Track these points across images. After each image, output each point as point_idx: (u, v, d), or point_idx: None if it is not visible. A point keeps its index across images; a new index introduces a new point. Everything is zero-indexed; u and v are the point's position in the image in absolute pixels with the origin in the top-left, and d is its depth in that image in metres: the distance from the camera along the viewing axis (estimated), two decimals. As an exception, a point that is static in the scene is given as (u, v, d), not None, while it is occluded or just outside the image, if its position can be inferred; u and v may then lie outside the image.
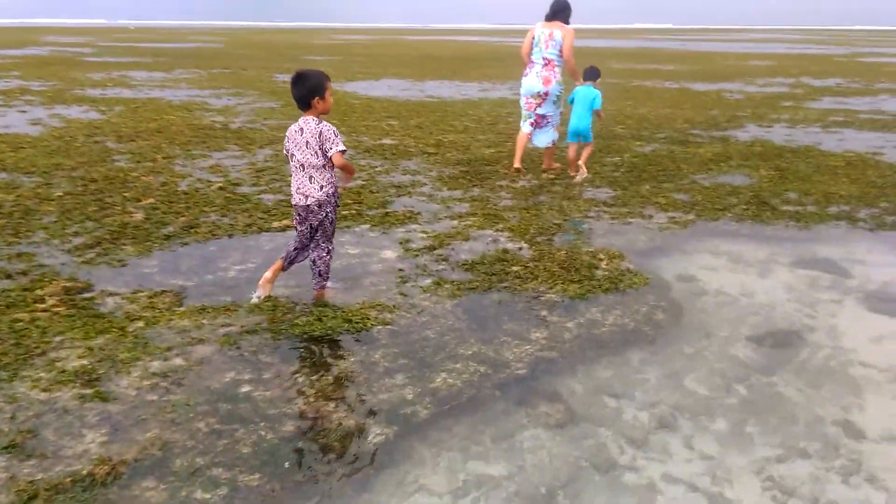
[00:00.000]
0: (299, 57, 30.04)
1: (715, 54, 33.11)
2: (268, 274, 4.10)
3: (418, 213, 5.96)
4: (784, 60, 29.55)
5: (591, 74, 7.39)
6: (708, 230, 5.58)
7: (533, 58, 7.29)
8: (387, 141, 9.61)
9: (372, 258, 4.87)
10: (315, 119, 3.93)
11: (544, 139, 7.54)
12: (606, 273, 4.54)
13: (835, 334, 3.94)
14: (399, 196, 6.58)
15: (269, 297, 4.09)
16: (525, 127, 7.51)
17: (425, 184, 7.07)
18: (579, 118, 7.26)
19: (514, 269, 4.60)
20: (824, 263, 4.94)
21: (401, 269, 4.63)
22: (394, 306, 4.02)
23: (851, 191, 6.66)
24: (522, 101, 7.49)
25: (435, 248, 5.05)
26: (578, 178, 7.20)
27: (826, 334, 3.94)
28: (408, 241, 5.24)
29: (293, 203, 4.04)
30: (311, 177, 3.93)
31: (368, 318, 3.83)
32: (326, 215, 4.02)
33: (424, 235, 5.35)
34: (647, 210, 6.07)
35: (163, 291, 4.17)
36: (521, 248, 5.05)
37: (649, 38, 59.17)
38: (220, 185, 6.86)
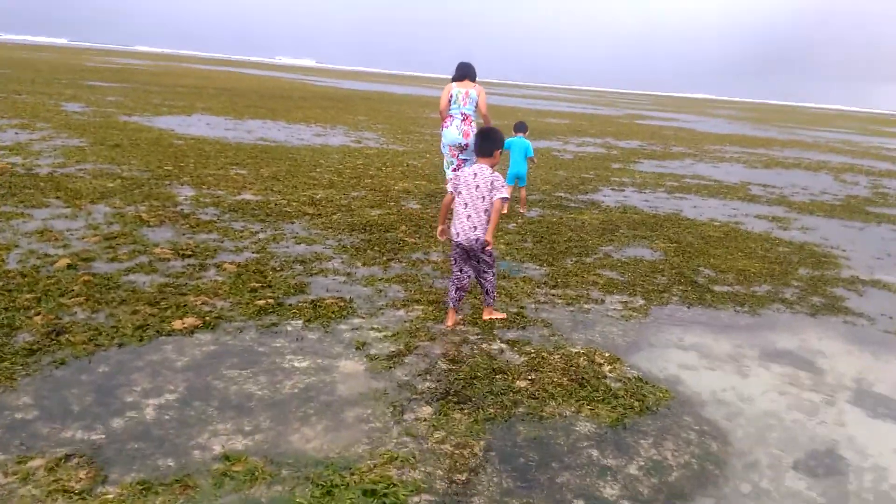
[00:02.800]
0: (78, 81, 26.49)
1: (514, 110, 35.07)
2: (449, 324, 4.65)
3: (351, 301, 4.95)
4: (577, 120, 32.09)
5: (521, 128, 8.87)
6: (665, 317, 5.26)
7: (452, 112, 8.21)
8: (248, 196, 8.32)
9: (333, 374, 3.81)
10: (489, 168, 4.54)
11: None
12: (621, 385, 3.95)
13: (861, 451, 3.70)
14: (311, 275, 5.49)
15: (242, 457, 2.91)
16: (449, 174, 8.35)
17: (332, 257, 6.03)
18: (518, 164, 8.64)
19: (520, 385, 3.83)
20: (790, 357, 4.82)
21: (384, 392, 3.64)
22: (414, 459, 3.05)
23: (756, 267, 6.84)
24: (446, 150, 8.34)
25: (404, 355, 4.11)
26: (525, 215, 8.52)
27: (854, 452, 3.68)
28: (364, 343, 4.23)
29: (455, 241, 4.57)
30: (469, 216, 4.47)
31: (395, 485, 2.83)
32: (484, 249, 4.56)
33: (378, 335, 4.38)
34: (593, 293, 5.64)
35: (67, 456, 2.79)
36: (502, 351, 4.30)
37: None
38: (68, 260, 5.24)
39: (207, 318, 4.38)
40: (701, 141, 24.28)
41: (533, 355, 4.24)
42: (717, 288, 6.05)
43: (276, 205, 7.96)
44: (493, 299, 4.84)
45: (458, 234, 4.51)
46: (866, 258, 7.67)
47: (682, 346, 4.78)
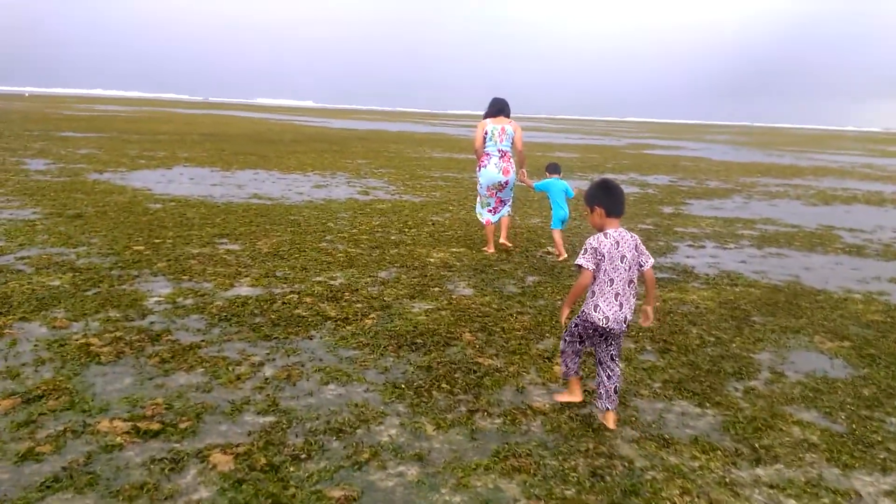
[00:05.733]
0: (50, 132, 24.38)
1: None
2: (579, 398, 4.03)
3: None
4: (584, 152, 30.27)
5: (556, 169, 8.30)
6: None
7: (488, 150, 7.94)
8: (244, 289, 6.14)
9: None
10: (626, 230, 3.75)
11: (503, 212, 8.27)
12: None
13: None
14: (358, 467, 3.27)
15: None
16: (485, 215, 8.21)
17: (382, 413, 3.83)
18: (562, 207, 8.06)
19: None
20: None
21: None
22: None
23: None
24: (483, 191, 8.13)
25: None
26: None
27: None
28: None
29: (601, 326, 3.68)
30: (617, 293, 3.65)
31: None
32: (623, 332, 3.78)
33: None
34: (825, 471, 3.45)
35: None
36: None
37: (412, 122, 60.25)
38: None
39: None
40: (728, 172, 22.39)
41: None
42: None
43: (283, 303, 5.77)
44: (617, 399, 3.83)
45: (606, 318, 3.66)
46: None
47: None
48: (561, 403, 4.04)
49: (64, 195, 10.87)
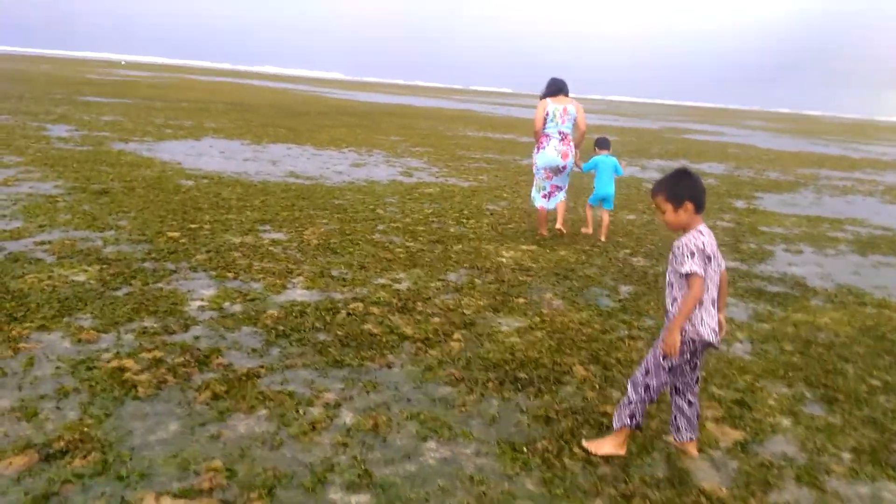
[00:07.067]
0: (73, 97, 23.51)
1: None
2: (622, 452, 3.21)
3: None
4: (624, 136, 29.01)
5: (606, 144, 8.00)
6: None
7: (548, 131, 7.47)
8: (299, 293, 5.22)
9: None
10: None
11: (556, 200, 7.74)
12: None
13: None
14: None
15: None
16: (539, 201, 7.76)
17: (509, 492, 2.88)
18: (606, 185, 7.78)
19: None
20: None
21: None
22: None
23: None
24: (541, 174, 7.66)
25: None
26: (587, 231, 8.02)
27: None
28: None
29: (706, 340, 3.02)
30: (713, 300, 3.06)
31: None
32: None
33: None
34: None
35: None
36: None
37: (440, 98, 58.94)
38: None
39: None
40: (782, 162, 21.13)
41: None
42: None
43: (348, 314, 4.83)
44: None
45: (714, 332, 3.05)
46: None
47: None
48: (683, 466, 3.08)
49: (88, 167, 9.99)
